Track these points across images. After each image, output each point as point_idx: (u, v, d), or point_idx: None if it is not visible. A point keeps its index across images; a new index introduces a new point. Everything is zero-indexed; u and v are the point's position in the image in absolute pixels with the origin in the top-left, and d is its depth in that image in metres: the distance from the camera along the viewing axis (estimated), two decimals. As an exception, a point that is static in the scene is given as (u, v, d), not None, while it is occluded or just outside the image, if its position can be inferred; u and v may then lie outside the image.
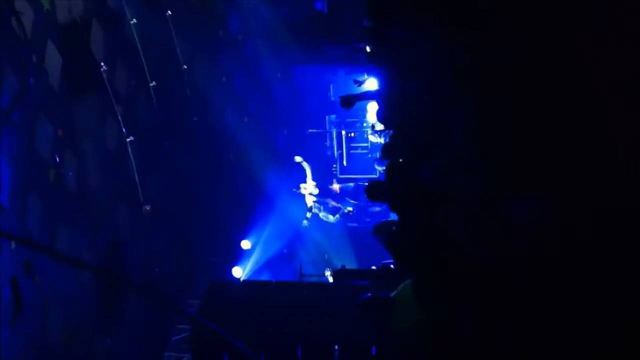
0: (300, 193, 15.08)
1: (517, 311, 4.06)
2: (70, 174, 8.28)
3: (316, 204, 15.34)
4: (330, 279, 13.35)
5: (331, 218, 16.02)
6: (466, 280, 4.82)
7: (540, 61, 4.04)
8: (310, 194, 15.10)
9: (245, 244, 15.04)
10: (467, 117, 4.61)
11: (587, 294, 3.55)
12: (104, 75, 9.35)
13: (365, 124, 17.65)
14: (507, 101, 4.16)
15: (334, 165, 18.11)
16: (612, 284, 3.44)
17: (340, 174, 17.96)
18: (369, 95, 11.41)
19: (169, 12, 11.79)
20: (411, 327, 7.01)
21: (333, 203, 15.58)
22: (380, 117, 10.49)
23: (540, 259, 3.75)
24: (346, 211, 15.94)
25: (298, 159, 14.85)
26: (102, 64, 9.26)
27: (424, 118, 6.77)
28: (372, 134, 16.70)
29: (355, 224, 16.78)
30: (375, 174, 16.72)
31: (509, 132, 4.07)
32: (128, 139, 10.06)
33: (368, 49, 12.83)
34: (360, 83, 14.45)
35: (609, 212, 3.46)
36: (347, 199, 15.94)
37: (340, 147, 18.07)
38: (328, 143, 18.32)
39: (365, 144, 17.75)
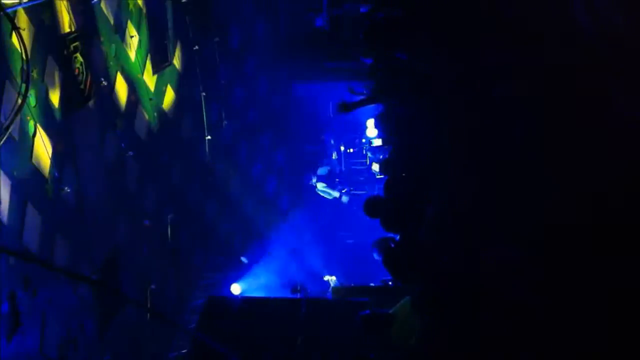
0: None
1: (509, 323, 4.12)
2: (69, 188, 8.29)
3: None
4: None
5: (333, 193, 16.28)
6: (459, 296, 4.85)
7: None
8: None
9: (244, 260, 15.04)
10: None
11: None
12: (103, 91, 9.37)
13: (364, 140, 17.71)
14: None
15: (336, 180, 18.14)
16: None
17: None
18: (366, 103, 11.41)
19: (169, 27, 11.83)
20: (410, 344, 7.00)
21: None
22: (379, 132, 10.53)
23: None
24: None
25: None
26: (102, 79, 9.28)
27: (421, 136, 6.79)
28: (368, 150, 16.79)
29: (353, 240, 16.79)
30: (375, 192, 16.77)
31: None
32: (127, 154, 10.07)
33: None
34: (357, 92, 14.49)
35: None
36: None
37: (340, 163, 18.10)
38: (327, 159, 18.34)
39: (365, 160, 17.79)
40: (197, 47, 13.00)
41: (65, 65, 8.30)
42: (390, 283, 12.37)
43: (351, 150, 18.04)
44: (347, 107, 10.44)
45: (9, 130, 6.95)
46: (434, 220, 5.21)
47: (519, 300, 4.03)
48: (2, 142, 6.81)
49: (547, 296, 3.83)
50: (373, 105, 11.29)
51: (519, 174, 3.81)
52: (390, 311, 7.43)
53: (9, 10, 7.00)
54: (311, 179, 16.84)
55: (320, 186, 16.74)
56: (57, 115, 8.14)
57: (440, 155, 4.95)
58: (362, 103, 10.97)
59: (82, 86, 8.76)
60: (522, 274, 3.74)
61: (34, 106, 7.54)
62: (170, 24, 11.85)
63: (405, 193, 7.08)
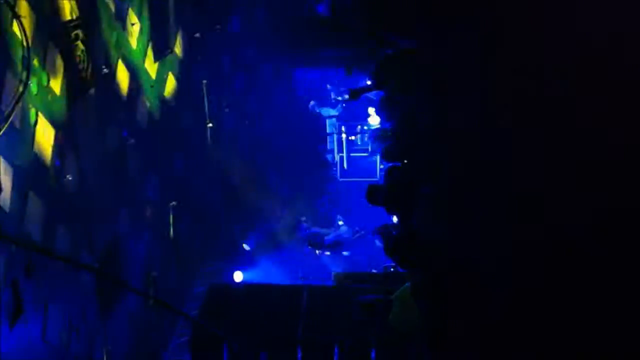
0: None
1: (509, 308, 4.13)
2: (70, 177, 8.30)
3: None
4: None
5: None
6: (463, 284, 4.86)
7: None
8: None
9: (246, 247, 15.08)
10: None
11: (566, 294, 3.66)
12: (105, 78, 9.37)
13: (366, 127, 17.70)
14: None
15: (334, 169, 18.14)
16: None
17: (341, 177, 18.00)
18: (372, 89, 11.43)
19: (170, 14, 11.81)
20: (410, 329, 7.03)
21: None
22: (382, 119, 10.55)
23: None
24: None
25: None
26: (103, 66, 9.28)
27: (423, 123, 6.79)
28: (370, 137, 16.79)
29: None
30: (376, 177, 16.78)
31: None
32: (128, 142, 10.08)
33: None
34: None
35: None
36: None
37: (340, 150, 18.09)
38: (328, 146, 18.34)
39: (366, 147, 17.79)
40: (198, 35, 12.99)
41: (67, 53, 8.29)
42: (392, 269, 12.42)
43: (353, 137, 18.03)
44: (356, 94, 10.51)
45: (10, 119, 6.96)
46: (428, 201, 5.22)
47: (519, 285, 4.05)
48: (3, 131, 6.82)
49: (548, 281, 3.84)
50: (377, 91, 11.31)
51: (514, 164, 3.83)
52: (391, 297, 7.44)
53: (10, -2, 6.99)
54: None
55: None
56: (59, 103, 8.14)
57: (438, 141, 4.96)
58: (369, 89, 11.01)
59: (83, 74, 8.76)
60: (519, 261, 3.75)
61: (35, 94, 7.54)
62: (171, 11, 11.84)
63: (405, 179, 7.10)
